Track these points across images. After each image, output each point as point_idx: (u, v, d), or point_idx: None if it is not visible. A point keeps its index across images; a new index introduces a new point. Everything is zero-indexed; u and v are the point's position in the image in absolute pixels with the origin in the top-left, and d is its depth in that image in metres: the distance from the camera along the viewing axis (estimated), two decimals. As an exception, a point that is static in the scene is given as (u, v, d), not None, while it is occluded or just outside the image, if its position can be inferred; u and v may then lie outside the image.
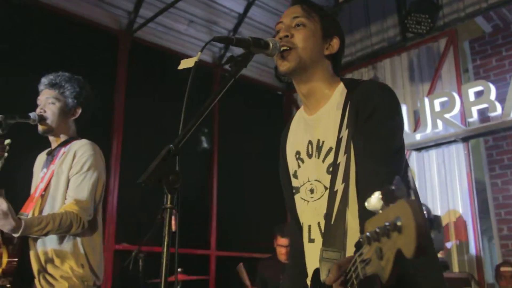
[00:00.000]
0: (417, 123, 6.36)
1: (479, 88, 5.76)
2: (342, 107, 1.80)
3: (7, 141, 2.81)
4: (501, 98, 5.58)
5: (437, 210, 6.00)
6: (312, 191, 1.85)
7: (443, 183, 6.11)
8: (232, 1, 6.89)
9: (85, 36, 6.14)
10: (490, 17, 6.27)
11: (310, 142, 1.90)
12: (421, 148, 6.31)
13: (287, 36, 1.84)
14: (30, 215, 2.88)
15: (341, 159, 1.74)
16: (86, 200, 2.90)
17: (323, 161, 1.81)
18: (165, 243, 1.52)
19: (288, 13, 1.93)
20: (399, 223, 1.02)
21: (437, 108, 6.04)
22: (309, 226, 1.85)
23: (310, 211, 1.84)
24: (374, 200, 1.11)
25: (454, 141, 6.01)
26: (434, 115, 6.06)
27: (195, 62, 1.74)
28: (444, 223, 5.87)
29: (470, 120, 5.82)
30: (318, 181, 1.83)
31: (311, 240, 1.84)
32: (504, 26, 6.41)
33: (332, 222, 1.72)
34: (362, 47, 7.22)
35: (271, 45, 1.78)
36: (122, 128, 6.30)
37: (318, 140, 1.86)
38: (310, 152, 1.89)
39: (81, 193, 2.90)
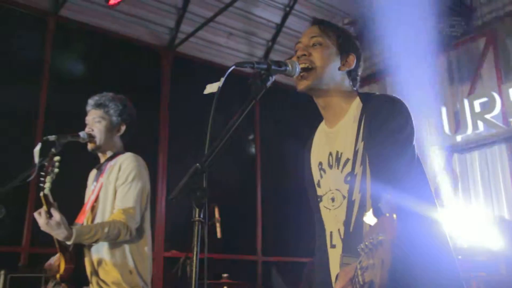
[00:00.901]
0: (457, 124, 6.31)
1: (521, 87, 5.68)
2: (358, 120, 1.86)
3: (57, 158, 2.96)
4: None
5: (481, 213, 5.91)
6: (333, 199, 1.92)
7: (487, 184, 6.06)
8: (269, 12, 7.00)
9: (130, 54, 6.40)
10: None
11: (330, 154, 1.97)
12: (462, 149, 6.26)
13: (304, 55, 1.92)
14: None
15: (358, 170, 1.80)
16: (132, 209, 3.02)
17: (342, 171, 1.88)
18: (195, 252, 1.57)
19: (306, 33, 2.01)
20: (380, 238, 1.16)
21: (478, 109, 5.99)
22: (331, 233, 1.93)
23: (332, 218, 1.92)
24: (369, 215, 1.25)
25: (496, 142, 5.95)
26: (474, 116, 6.02)
27: (218, 87, 1.81)
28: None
29: (512, 119, 5.74)
30: (338, 190, 1.90)
31: (332, 246, 1.91)
32: None
33: (350, 230, 1.78)
34: (401, 50, 7.25)
35: (290, 66, 1.85)
36: (168, 140, 6.50)
37: (337, 152, 1.93)
38: (331, 163, 1.96)
39: (127, 203, 3.02)
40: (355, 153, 1.83)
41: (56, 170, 2.92)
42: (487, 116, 5.89)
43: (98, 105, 3.23)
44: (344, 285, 1.45)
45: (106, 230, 2.89)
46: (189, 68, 6.89)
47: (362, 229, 1.65)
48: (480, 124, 5.99)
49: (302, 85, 1.92)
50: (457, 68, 6.60)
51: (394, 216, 1.18)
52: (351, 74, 1.98)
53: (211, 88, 1.85)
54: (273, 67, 1.81)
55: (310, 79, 1.91)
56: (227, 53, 7.23)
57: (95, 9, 5.96)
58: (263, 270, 6.95)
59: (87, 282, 3.04)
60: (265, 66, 1.81)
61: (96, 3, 5.81)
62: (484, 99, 5.98)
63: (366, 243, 1.24)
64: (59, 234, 2.81)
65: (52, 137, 3.22)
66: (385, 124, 1.78)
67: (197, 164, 1.62)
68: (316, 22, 2.03)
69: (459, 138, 6.23)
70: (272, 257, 7.03)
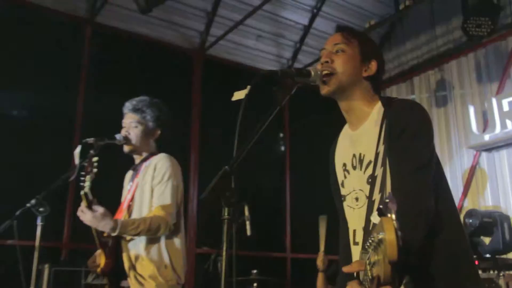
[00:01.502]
0: (486, 123, 6.28)
1: (548, 86, 5.64)
2: (380, 124, 1.91)
3: (95, 159, 3.09)
4: None
5: (510, 210, 5.89)
6: (357, 199, 1.97)
7: None
8: (297, 14, 7.07)
9: (162, 57, 6.52)
10: None
11: (354, 155, 2.01)
12: (491, 148, 6.23)
13: (327, 61, 1.98)
14: None
15: (378, 171, 1.85)
16: (170, 205, 3.14)
17: (364, 172, 1.93)
18: (224, 249, 1.67)
19: (330, 41, 2.06)
20: (380, 236, 1.25)
21: (506, 108, 5.95)
22: (354, 231, 1.98)
23: (355, 217, 1.97)
24: (375, 216, 1.34)
25: None
26: (503, 115, 5.98)
27: (245, 95, 1.88)
28: (517, 222, 5.80)
29: (541, 118, 5.68)
30: (361, 190, 1.95)
31: (355, 243, 1.96)
32: None
33: (370, 228, 1.80)
34: (428, 49, 7.22)
35: (312, 73, 1.93)
36: (198, 141, 6.63)
37: (360, 154, 1.98)
38: (354, 164, 2.01)
39: (165, 200, 3.15)
40: (376, 155, 1.88)
41: (95, 170, 3.05)
42: (516, 115, 5.84)
43: (135, 110, 3.36)
44: (351, 269, 1.56)
45: (148, 223, 3.03)
46: (219, 70, 7.02)
47: None
48: (509, 123, 5.96)
49: (324, 90, 1.99)
50: (485, 67, 6.55)
51: (393, 216, 1.25)
52: (373, 79, 2.04)
53: (238, 95, 1.93)
54: (296, 76, 1.91)
55: (332, 85, 1.97)
56: (256, 55, 7.32)
57: (129, 15, 6.11)
58: (292, 266, 7.03)
59: (125, 275, 3.16)
60: (289, 75, 1.90)
61: (130, 9, 5.94)
62: (513, 98, 5.93)
63: (370, 241, 1.32)
64: (105, 225, 2.96)
65: (90, 140, 3.38)
66: (406, 129, 1.83)
67: (226, 166, 1.70)
68: (339, 29, 2.08)
69: (487, 137, 6.19)
70: (300, 254, 7.08)
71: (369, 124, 1.97)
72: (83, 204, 3.01)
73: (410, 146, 1.82)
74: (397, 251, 1.21)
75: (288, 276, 6.94)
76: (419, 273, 1.76)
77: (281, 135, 7.54)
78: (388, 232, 1.22)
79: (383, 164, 1.84)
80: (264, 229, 6.49)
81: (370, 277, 1.39)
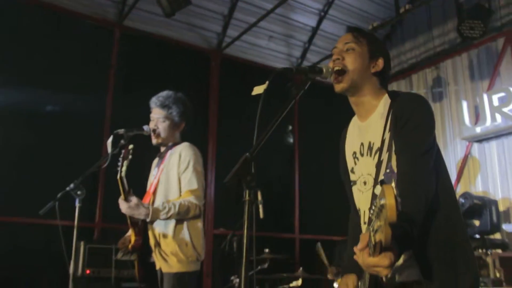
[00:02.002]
0: (477, 117, 6.31)
1: (535, 83, 5.66)
2: (386, 115, 1.92)
3: (131, 146, 3.23)
4: None
5: (498, 196, 5.98)
6: (365, 183, 1.98)
7: (504, 171, 6.06)
8: (305, 17, 7.10)
9: (183, 57, 6.59)
10: None
11: (362, 144, 2.02)
12: (481, 140, 6.27)
13: (338, 58, 1.99)
14: None
15: (384, 156, 1.86)
16: (197, 189, 3.23)
17: (373, 158, 1.94)
18: (245, 230, 1.68)
19: (341, 40, 2.06)
20: (381, 202, 1.29)
21: (496, 103, 5.98)
22: (364, 212, 1.99)
23: (365, 199, 1.97)
24: (378, 187, 1.43)
25: None
26: (493, 110, 6.00)
27: (264, 90, 1.89)
28: (504, 208, 5.84)
29: (527, 113, 5.72)
30: (370, 174, 1.96)
31: (365, 223, 1.97)
32: None
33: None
34: (425, 49, 7.25)
35: (324, 70, 1.95)
36: (216, 132, 6.70)
37: (369, 142, 1.98)
38: (362, 152, 2.02)
39: (192, 185, 3.22)
40: (382, 142, 1.88)
41: (130, 157, 3.17)
42: (505, 110, 5.89)
43: (163, 106, 3.42)
44: (362, 247, 1.53)
45: (177, 207, 3.11)
46: (234, 68, 7.07)
47: None
48: (498, 116, 5.99)
49: (338, 88, 2.00)
50: (477, 66, 6.59)
51: (392, 184, 1.30)
52: (380, 75, 2.04)
53: (258, 90, 1.94)
54: (309, 72, 1.94)
55: (345, 82, 1.98)
56: (268, 54, 7.37)
57: (154, 18, 6.23)
58: (300, 246, 7.10)
59: (151, 251, 3.27)
60: (303, 71, 1.94)
61: (154, 14, 6.07)
62: (502, 94, 5.97)
63: (373, 208, 1.37)
64: (140, 213, 3.09)
65: (121, 131, 3.48)
66: (410, 119, 1.84)
67: (247, 153, 1.72)
68: (350, 29, 2.09)
69: (478, 129, 6.23)
70: (308, 235, 7.14)
71: (377, 115, 1.99)
72: (121, 197, 3.12)
73: (413, 135, 1.83)
74: (396, 214, 1.25)
75: (297, 255, 6.99)
76: (417, 244, 1.77)
77: (290, 127, 7.57)
78: (389, 197, 1.26)
79: (389, 150, 1.85)
80: (275, 213, 6.63)
81: (373, 243, 1.42)
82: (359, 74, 1.99)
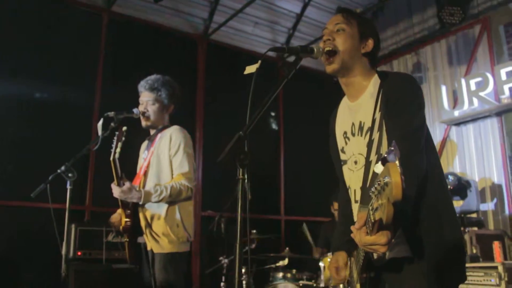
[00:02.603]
0: (455, 101, 6.36)
1: (510, 68, 5.69)
2: (376, 95, 1.91)
3: (124, 128, 3.21)
4: None
5: (475, 177, 6.05)
6: (356, 162, 1.96)
7: (480, 153, 6.12)
8: (290, 3, 7.04)
9: (170, 42, 6.52)
10: None
11: (353, 124, 2.01)
12: (459, 123, 6.32)
13: (329, 39, 1.97)
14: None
15: (375, 135, 1.84)
16: (189, 172, 3.23)
17: (364, 138, 1.93)
18: (239, 207, 1.68)
19: (331, 21, 2.03)
20: (386, 180, 1.25)
21: (473, 87, 6.02)
22: (355, 190, 1.97)
23: (355, 178, 1.96)
24: (378, 166, 1.32)
25: (489, 116, 5.99)
26: (470, 94, 6.04)
27: (256, 69, 1.87)
28: (480, 187, 5.89)
29: (502, 97, 5.77)
30: (361, 154, 1.94)
31: (356, 201, 1.96)
32: None
33: (367, 185, 1.82)
34: (406, 36, 7.26)
35: (315, 50, 1.92)
36: (203, 116, 6.66)
37: (360, 122, 1.97)
38: (354, 132, 2.00)
39: (184, 168, 3.23)
40: (373, 121, 1.87)
41: (123, 138, 3.16)
42: (481, 94, 5.93)
43: (152, 89, 3.40)
44: (360, 226, 1.52)
45: (169, 190, 3.10)
46: (221, 53, 7.02)
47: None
48: (475, 100, 6.04)
49: (330, 68, 1.98)
50: (455, 51, 6.62)
51: (397, 162, 1.25)
52: (370, 55, 2.02)
53: (250, 69, 1.91)
54: (301, 52, 1.91)
55: (336, 63, 1.96)
56: (254, 40, 7.32)
57: (142, 4, 6.15)
58: (285, 227, 7.13)
59: (141, 232, 3.26)
60: (295, 51, 1.91)
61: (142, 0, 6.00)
62: (479, 79, 6.02)
63: (376, 186, 1.33)
64: (132, 197, 3.08)
65: (111, 113, 3.44)
66: (400, 98, 1.83)
67: (240, 132, 1.71)
68: (339, 10, 2.06)
69: (456, 113, 6.28)
70: (293, 216, 7.18)
71: (367, 95, 1.98)
72: (114, 182, 3.11)
73: (403, 113, 1.82)
74: (402, 191, 1.22)
75: (282, 235, 7.02)
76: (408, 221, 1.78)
77: (273, 113, 7.55)
78: (394, 174, 1.22)
79: (379, 129, 1.84)
80: (261, 195, 6.61)
81: (372, 221, 1.40)
82: (350, 55, 1.97)
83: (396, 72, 2.03)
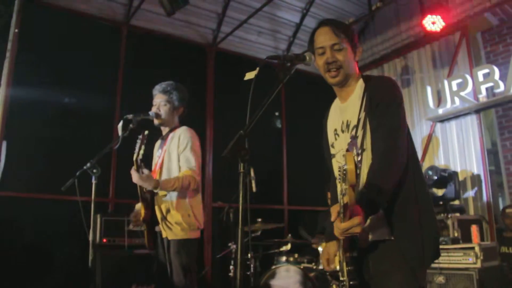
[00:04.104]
0: (439, 100, 6.41)
1: (486, 70, 5.76)
2: (362, 96, 1.96)
3: (146, 132, 3.29)
4: (505, 78, 5.58)
5: (457, 168, 6.11)
6: (343, 156, 2.05)
7: (461, 147, 6.17)
8: (290, 14, 7.09)
9: (182, 50, 6.58)
10: (496, 12, 6.20)
11: (342, 122, 2.06)
12: (443, 120, 6.37)
13: (334, 61, 2.00)
14: None
15: (360, 133, 1.89)
16: (195, 166, 3.30)
17: (350, 134, 1.97)
18: (240, 197, 1.71)
19: (324, 39, 2.03)
20: (345, 167, 1.37)
21: (454, 87, 6.07)
22: None
23: None
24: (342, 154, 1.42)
25: (469, 114, 6.05)
26: (452, 93, 6.09)
27: (255, 75, 1.98)
28: (462, 178, 5.96)
29: (480, 96, 5.83)
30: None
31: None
32: (507, 19, 6.34)
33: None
34: (394, 42, 7.29)
35: (307, 57, 1.99)
36: (213, 117, 6.74)
37: (347, 121, 2.02)
38: (343, 129, 2.05)
39: (191, 163, 3.29)
40: (358, 120, 1.92)
41: (145, 141, 3.23)
42: (462, 93, 5.99)
43: (164, 92, 3.48)
44: (334, 218, 1.62)
45: (181, 181, 3.18)
46: (228, 60, 7.07)
47: (360, 176, 1.85)
48: (457, 99, 6.09)
49: (334, 81, 2.04)
50: (438, 56, 6.66)
51: (354, 152, 1.35)
52: (358, 61, 2.12)
53: (249, 75, 2.00)
54: (295, 59, 1.98)
55: (341, 76, 2.02)
56: (257, 47, 7.38)
57: (156, 17, 6.23)
58: (288, 216, 7.18)
59: (158, 222, 3.33)
60: (289, 58, 1.97)
61: (157, 13, 6.06)
62: (459, 80, 6.07)
63: (339, 174, 1.41)
64: (149, 184, 3.13)
65: (129, 116, 3.51)
66: (382, 100, 1.88)
67: (241, 131, 1.77)
68: (326, 23, 2.08)
69: (440, 111, 6.33)
70: (295, 206, 7.24)
71: (354, 97, 2.03)
72: (134, 167, 3.15)
73: (386, 114, 1.86)
74: (355, 177, 1.30)
75: (286, 223, 7.06)
76: (389, 207, 1.84)
77: (277, 113, 7.58)
78: (349, 163, 1.32)
79: (364, 127, 1.89)
80: (266, 187, 6.62)
81: (342, 204, 1.48)
82: (349, 67, 2.04)
83: (378, 76, 2.09)
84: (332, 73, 2.02)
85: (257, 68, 1.94)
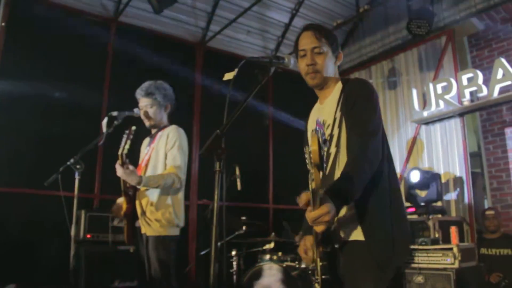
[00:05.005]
0: (424, 103, 6.46)
1: (470, 75, 5.82)
2: (338, 97, 2.03)
3: (134, 128, 3.31)
4: (489, 82, 5.62)
5: (440, 170, 6.16)
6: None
7: (445, 149, 6.23)
8: (279, 14, 7.12)
9: (170, 49, 6.56)
10: (482, 17, 6.30)
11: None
12: (428, 122, 6.43)
13: (313, 64, 2.06)
14: None
15: (335, 132, 1.96)
16: (180, 165, 3.33)
17: (325, 133, 2.03)
18: (216, 196, 1.72)
19: (306, 42, 2.09)
20: (310, 149, 1.41)
21: (439, 91, 6.13)
22: None
23: None
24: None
25: (453, 117, 6.11)
26: (437, 97, 6.14)
27: (233, 76, 2.00)
28: (445, 180, 6.03)
29: (464, 100, 5.89)
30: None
31: None
32: (493, 24, 6.44)
33: (327, 173, 1.97)
34: (382, 44, 7.35)
35: (286, 59, 2.03)
36: (200, 115, 6.76)
37: (323, 120, 2.09)
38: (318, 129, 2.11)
39: (177, 161, 3.32)
40: (334, 119, 1.98)
41: (131, 137, 3.25)
42: (446, 97, 6.04)
43: (147, 94, 3.48)
44: (303, 205, 1.63)
45: (165, 178, 3.21)
46: (217, 59, 7.06)
47: (334, 173, 1.97)
48: (441, 102, 6.14)
49: (313, 83, 2.10)
50: (425, 59, 6.72)
51: (319, 135, 1.35)
52: (339, 65, 2.17)
53: (228, 75, 2.02)
54: (273, 60, 2.00)
55: (318, 79, 2.08)
56: (246, 47, 7.39)
57: (145, 15, 6.22)
58: (273, 215, 7.22)
59: (137, 218, 3.37)
60: (267, 60, 2.00)
61: (146, 10, 6.05)
62: (444, 84, 6.12)
63: (307, 157, 1.42)
64: (133, 179, 3.16)
65: (114, 113, 3.59)
66: (357, 101, 1.93)
67: (218, 130, 1.80)
68: (309, 28, 2.14)
69: (425, 113, 6.38)
70: (280, 205, 7.28)
71: (332, 98, 2.09)
72: (118, 162, 3.18)
73: (360, 115, 1.90)
74: (318, 157, 1.32)
75: (270, 222, 7.10)
76: (361, 206, 1.87)
77: (265, 111, 7.61)
78: (313, 144, 1.36)
79: (339, 127, 1.95)
80: (251, 186, 6.64)
81: (310, 189, 1.50)
82: (328, 71, 2.09)
83: (355, 78, 2.13)
84: (311, 75, 2.08)
85: (236, 69, 1.96)
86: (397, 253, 1.88)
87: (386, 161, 1.97)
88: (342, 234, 1.98)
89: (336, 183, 1.79)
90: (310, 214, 1.59)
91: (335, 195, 1.64)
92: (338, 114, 1.97)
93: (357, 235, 1.91)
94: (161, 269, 3.19)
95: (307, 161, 1.48)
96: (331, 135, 1.97)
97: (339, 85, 2.10)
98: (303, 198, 1.60)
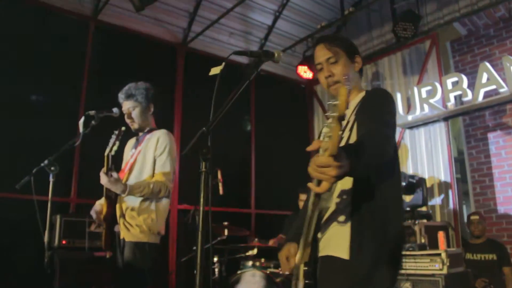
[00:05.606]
0: (409, 107, 6.46)
1: (455, 79, 5.84)
2: (357, 103, 1.95)
3: (123, 128, 3.19)
4: (473, 87, 5.66)
5: (425, 175, 6.16)
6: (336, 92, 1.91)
7: (430, 154, 6.24)
8: (262, 16, 7.08)
9: (151, 49, 6.45)
10: (464, 23, 6.32)
11: None
12: (412, 126, 6.42)
13: (330, 75, 1.97)
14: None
15: (346, 134, 1.87)
16: (169, 172, 3.18)
17: None
18: (202, 198, 1.64)
19: (319, 55, 2.02)
20: (335, 103, 1.25)
21: (424, 95, 6.14)
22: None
23: None
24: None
25: (437, 121, 6.11)
26: (421, 101, 6.15)
27: (220, 70, 1.93)
28: (429, 184, 6.02)
29: (449, 103, 5.90)
30: None
31: None
32: (475, 30, 6.49)
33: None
34: (366, 48, 7.34)
35: (276, 54, 1.94)
36: (181, 117, 6.64)
37: None
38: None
39: (165, 168, 3.18)
40: (347, 122, 1.91)
41: (120, 138, 3.13)
42: (431, 101, 6.05)
43: (128, 97, 3.35)
44: (312, 148, 1.39)
45: (151, 187, 3.07)
46: (198, 60, 6.97)
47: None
48: (426, 106, 6.15)
49: (336, 94, 1.91)
50: (409, 63, 6.74)
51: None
52: (361, 70, 2.07)
53: (215, 70, 1.98)
54: (263, 55, 1.92)
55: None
56: (229, 49, 7.28)
57: (125, 14, 6.09)
58: (256, 220, 7.14)
59: (116, 222, 3.20)
60: (257, 54, 1.92)
61: (126, 9, 5.92)
62: (429, 87, 6.13)
63: (329, 115, 1.28)
64: (117, 188, 3.02)
65: (92, 112, 3.44)
66: (374, 101, 1.87)
67: (203, 128, 1.70)
68: (321, 41, 2.05)
69: (410, 117, 6.37)
70: (262, 210, 7.19)
71: (351, 105, 1.99)
72: (103, 169, 3.04)
73: (376, 111, 1.81)
74: (345, 109, 1.20)
75: (253, 227, 7.04)
76: (361, 205, 1.77)
77: (247, 116, 7.55)
78: (341, 96, 1.21)
79: (350, 130, 1.87)
80: (233, 190, 6.57)
81: (324, 148, 1.31)
82: (349, 79, 1.99)
83: (377, 87, 2.12)
84: (332, 87, 2.00)
85: (223, 63, 1.88)
86: (382, 279, 1.73)
87: (395, 166, 1.90)
88: (321, 245, 1.85)
89: (350, 147, 1.62)
90: (319, 158, 1.33)
91: (349, 154, 1.42)
92: (352, 118, 1.91)
93: (342, 252, 1.77)
94: (137, 276, 3.05)
95: (327, 112, 1.28)
96: (341, 138, 1.83)
97: (361, 94, 2.01)
98: (315, 143, 1.36)
